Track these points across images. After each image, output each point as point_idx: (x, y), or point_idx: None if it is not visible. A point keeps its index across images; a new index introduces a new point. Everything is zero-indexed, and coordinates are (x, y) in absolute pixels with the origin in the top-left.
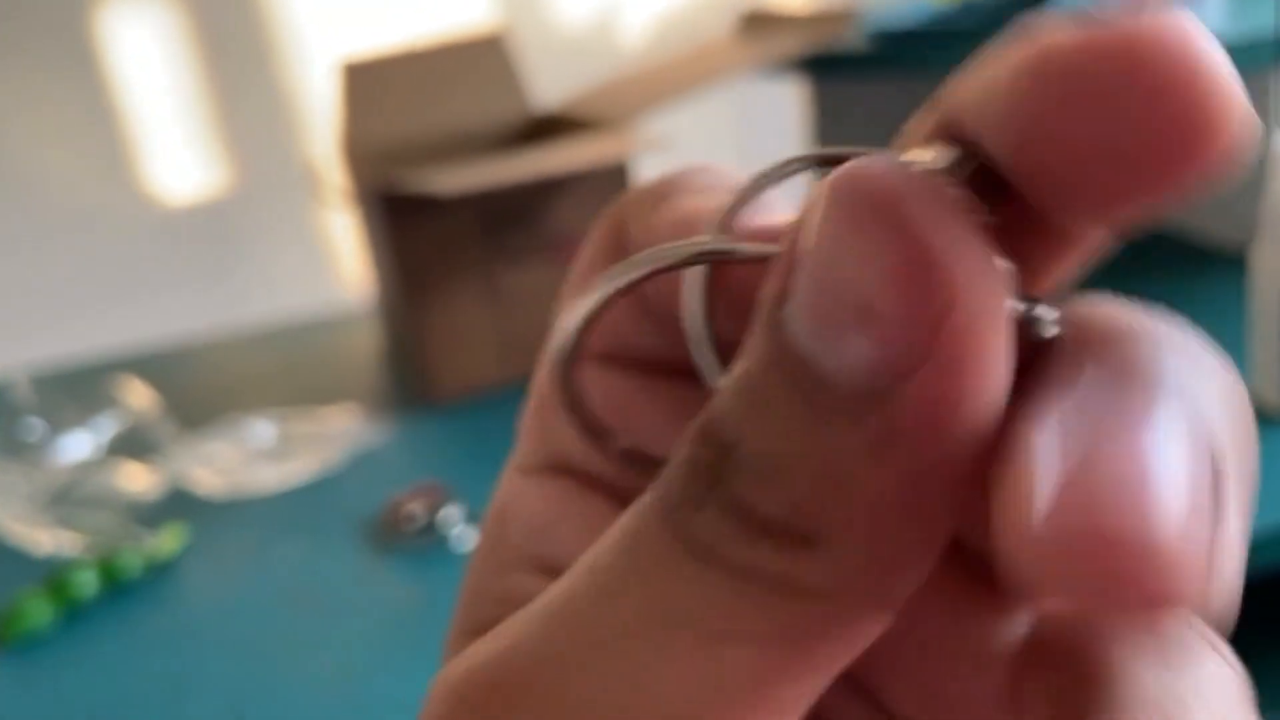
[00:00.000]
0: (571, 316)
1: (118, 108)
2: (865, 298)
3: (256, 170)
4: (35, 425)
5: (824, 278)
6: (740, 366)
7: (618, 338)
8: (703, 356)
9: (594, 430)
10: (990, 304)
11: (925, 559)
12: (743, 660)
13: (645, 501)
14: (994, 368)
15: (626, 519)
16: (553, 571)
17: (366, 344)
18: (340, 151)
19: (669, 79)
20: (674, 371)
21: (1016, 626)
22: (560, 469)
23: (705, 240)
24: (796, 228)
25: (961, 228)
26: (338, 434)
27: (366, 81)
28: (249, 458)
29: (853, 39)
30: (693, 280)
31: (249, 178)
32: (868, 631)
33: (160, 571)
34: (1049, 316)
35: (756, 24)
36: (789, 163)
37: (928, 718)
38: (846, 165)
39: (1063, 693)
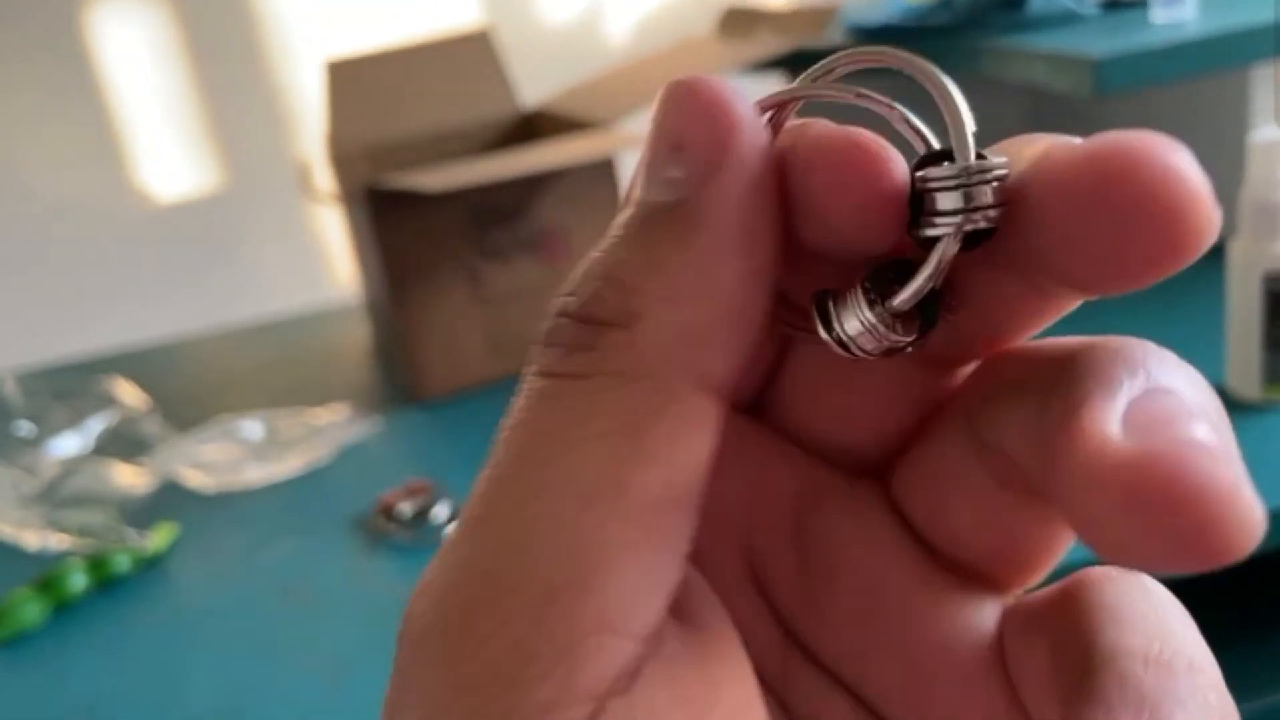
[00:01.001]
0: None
1: (108, 106)
2: (677, 139)
3: (247, 169)
4: (24, 424)
5: (654, 140)
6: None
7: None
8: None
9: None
10: (753, 133)
11: (727, 337)
12: (593, 457)
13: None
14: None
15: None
16: None
17: (356, 341)
18: (326, 150)
19: (652, 76)
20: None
21: (984, 609)
22: None
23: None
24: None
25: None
26: (327, 431)
27: (351, 80)
28: (239, 455)
29: (831, 36)
30: None
31: (239, 176)
32: (698, 413)
33: (150, 568)
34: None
35: (738, 21)
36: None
37: (907, 707)
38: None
39: (1058, 645)
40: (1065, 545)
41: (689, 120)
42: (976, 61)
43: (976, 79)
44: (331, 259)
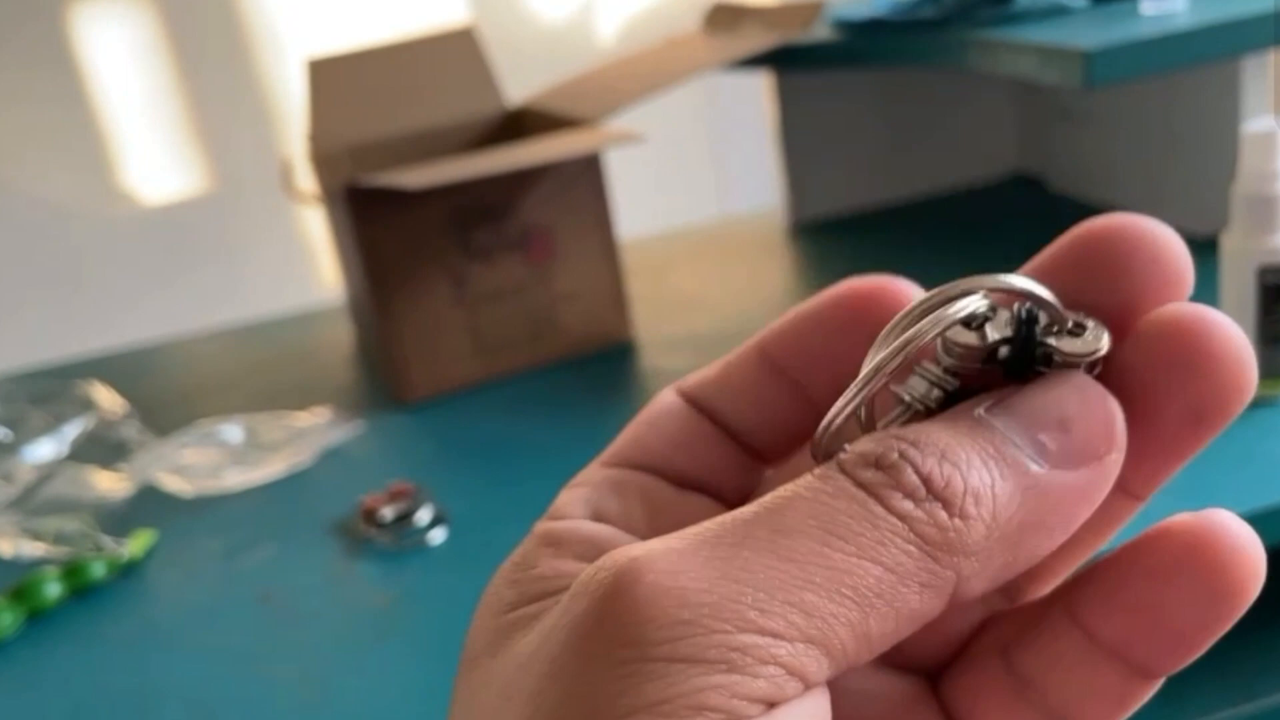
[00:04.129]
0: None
1: (92, 108)
2: (1068, 419)
3: (232, 170)
4: (6, 431)
5: (1043, 402)
6: (942, 421)
7: (661, 456)
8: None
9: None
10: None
11: (1002, 579)
12: (873, 576)
13: (817, 471)
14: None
15: (801, 479)
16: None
17: (339, 343)
18: (307, 149)
19: (639, 73)
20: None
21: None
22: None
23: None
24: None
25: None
26: (308, 434)
27: (333, 79)
28: (218, 460)
29: (817, 31)
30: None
31: (225, 178)
32: (938, 607)
33: (127, 575)
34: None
35: (724, 17)
36: (958, 291)
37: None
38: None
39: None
40: None
41: (1090, 411)
42: (964, 55)
43: (964, 73)
44: (317, 261)
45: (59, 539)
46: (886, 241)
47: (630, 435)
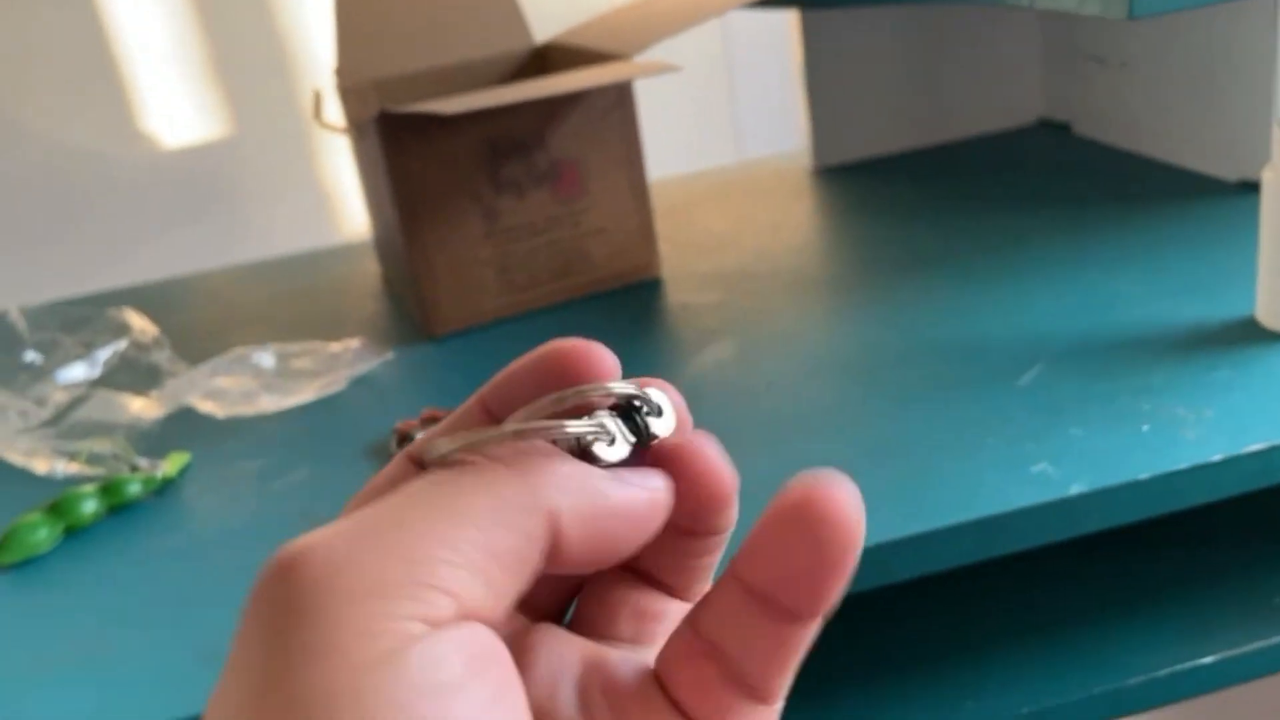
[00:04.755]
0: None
1: (115, 54)
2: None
3: (253, 112)
4: (38, 355)
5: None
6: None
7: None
8: None
9: None
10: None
11: (604, 543)
12: (485, 503)
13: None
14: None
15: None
16: None
17: (364, 279)
18: (337, 83)
19: (666, 10)
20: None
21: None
22: None
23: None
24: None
25: None
26: (339, 363)
27: (361, 13)
28: (251, 385)
29: None
30: None
31: (245, 120)
32: (538, 527)
33: (163, 494)
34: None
35: None
36: (559, 398)
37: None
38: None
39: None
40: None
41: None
42: None
43: (996, 10)
44: (336, 203)
45: (93, 459)
46: (909, 185)
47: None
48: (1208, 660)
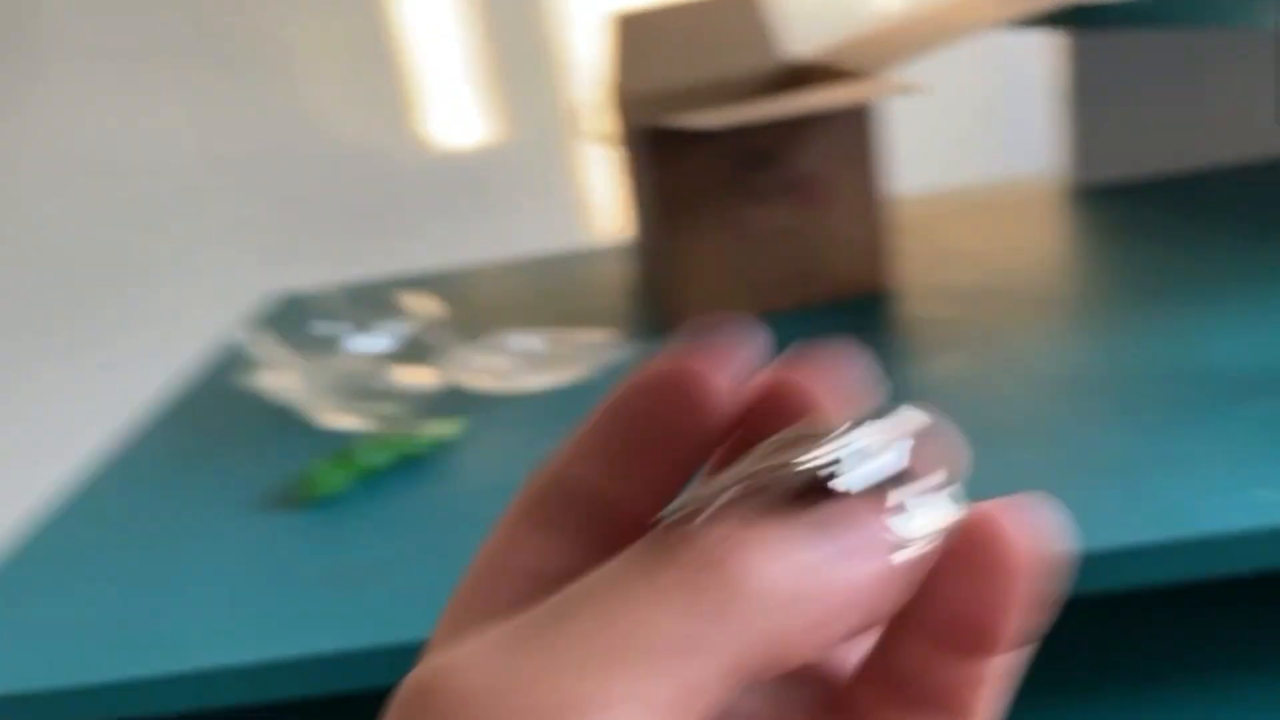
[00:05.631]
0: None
1: (401, 64)
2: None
3: (523, 119)
4: (337, 327)
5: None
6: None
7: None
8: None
9: None
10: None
11: (818, 643)
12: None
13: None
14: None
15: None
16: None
17: (618, 278)
18: (611, 97)
19: (922, 30)
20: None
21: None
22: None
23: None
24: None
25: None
26: (594, 350)
27: (635, 32)
28: (517, 364)
29: None
30: None
31: (513, 126)
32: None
33: (442, 452)
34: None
35: None
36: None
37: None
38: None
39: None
40: None
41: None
42: (1271, 15)
43: (1269, 36)
44: (589, 209)
45: (383, 420)
46: (1167, 210)
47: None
48: None
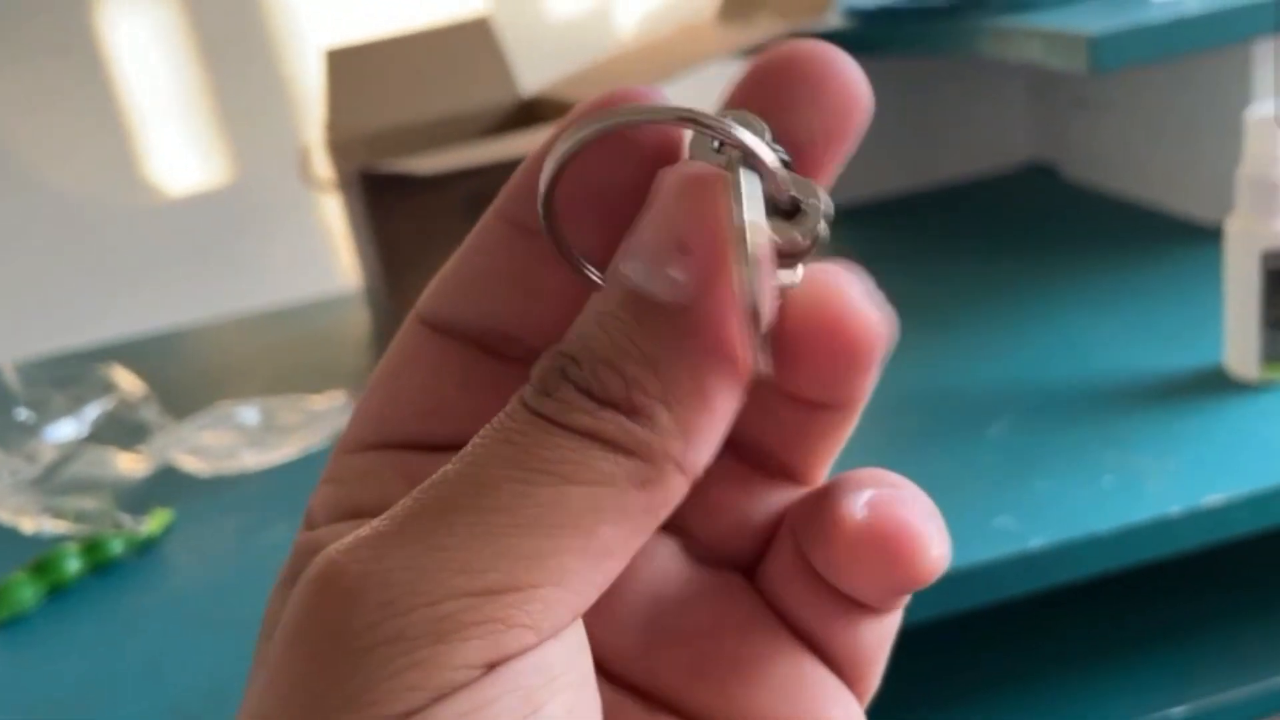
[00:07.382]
0: (555, 150)
1: (117, 101)
2: (684, 240)
3: (253, 161)
4: (23, 411)
5: (659, 230)
6: (589, 308)
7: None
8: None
9: (567, 256)
10: (760, 251)
11: (716, 435)
12: (579, 498)
13: (505, 409)
14: (763, 295)
15: (492, 421)
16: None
17: (355, 328)
18: (324, 138)
19: (651, 62)
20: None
21: (772, 497)
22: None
23: (684, 110)
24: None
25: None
26: (323, 417)
27: (350, 68)
28: (235, 441)
29: (829, 19)
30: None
31: (246, 167)
32: (673, 494)
33: (146, 552)
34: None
35: (738, 6)
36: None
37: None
38: (685, 169)
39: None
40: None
41: (698, 221)
42: (975, 42)
43: (977, 59)
44: (335, 250)
45: (79, 517)
46: (899, 231)
47: (371, 407)
48: (1178, 711)
